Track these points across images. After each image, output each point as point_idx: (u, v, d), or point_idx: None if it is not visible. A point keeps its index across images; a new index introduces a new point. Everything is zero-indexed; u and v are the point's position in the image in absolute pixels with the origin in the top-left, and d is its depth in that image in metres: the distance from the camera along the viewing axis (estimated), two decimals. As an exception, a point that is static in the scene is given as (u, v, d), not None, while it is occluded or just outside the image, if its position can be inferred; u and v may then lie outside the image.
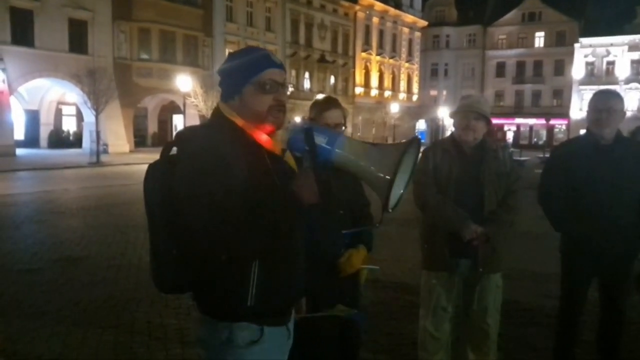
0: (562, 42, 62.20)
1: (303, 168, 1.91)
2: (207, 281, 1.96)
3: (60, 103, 38.24)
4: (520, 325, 5.17)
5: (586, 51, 60.62)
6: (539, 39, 64.36)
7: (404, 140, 2.04)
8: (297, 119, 35.62)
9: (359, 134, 51.41)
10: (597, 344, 3.93)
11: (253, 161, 1.93)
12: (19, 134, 33.66)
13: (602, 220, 3.50)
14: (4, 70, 28.68)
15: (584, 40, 59.97)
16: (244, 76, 2.00)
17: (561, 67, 62.75)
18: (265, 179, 1.92)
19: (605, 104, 3.60)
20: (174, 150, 2.02)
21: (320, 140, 1.91)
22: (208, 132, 2.02)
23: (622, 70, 59.03)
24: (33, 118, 36.55)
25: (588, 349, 4.15)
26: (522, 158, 31.18)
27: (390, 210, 1.91)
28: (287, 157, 2.08)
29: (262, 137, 2.01)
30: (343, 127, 2.95)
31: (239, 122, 2.00)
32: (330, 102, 3.02)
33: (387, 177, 1.85)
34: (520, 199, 3.55)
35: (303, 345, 2.29)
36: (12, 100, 30.98)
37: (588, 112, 3.73)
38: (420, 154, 2.13)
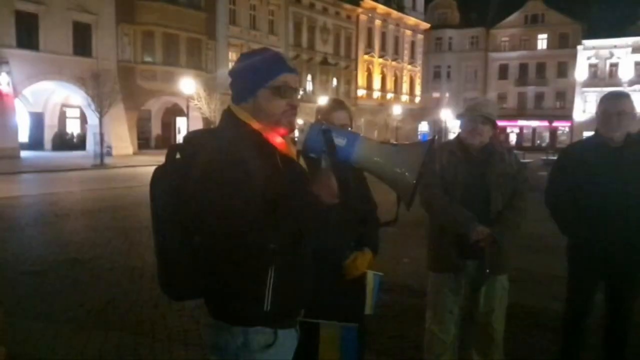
0: (565, 44, 62.15)
1: (322, 169, 1.89)
2: (222, 286, 1.95)
3: (64, 106, 38.32)
4: (525, 328, 5.15)
5: (589, 53, 60.54)
6: (542, 41, 64.33)
7: (421, 140, 2.04)
8: (301, 121, 35.64)
9: (362, 136, 51.26)
10: (602, 348, 3.91)
11: (270, 164, 1.91)
12: (24, 136, 33.70)
13: (610, 223, 3.47)
14: (9, 73, 28.75)
15: (587, 42, 59.91)
16: (260, 79, 1.99)
17: (564, 69, 62.69)
18: (282, 181, 1.91)
19: (616, 108, 3.55)
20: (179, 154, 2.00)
21: (339, 141, 1.90)
22: (222, 135, 2.00)
23: (626, 72, 58.90)
24: (37, 120, 36.61)
25: (594, 352, 4.13)
26: (525, 160, 31.11)
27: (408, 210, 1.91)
28: (300, 161, 2.07)
29: (277, 140, 2.00)
30: (349, 129, 2.95)
31: (255, 125, 1.99)
32: (337, 103, 3.06)
33: (410, 176, 1.84)
34: (527, 201, 3.54)
35: (302, 347, 2.28)
36: (17, 102, 31.04)
37: (597, 114, 3.68)
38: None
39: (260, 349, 1.96)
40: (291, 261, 1.94)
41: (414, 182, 1.83)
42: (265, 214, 1.80)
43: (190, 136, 2.05)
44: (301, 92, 2.35)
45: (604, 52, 59.81)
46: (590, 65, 61.03)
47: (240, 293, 1.93)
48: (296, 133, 2.13)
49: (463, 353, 3.79)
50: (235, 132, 1.97)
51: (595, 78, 59.97)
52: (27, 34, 29.91)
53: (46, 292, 6.27)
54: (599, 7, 57.55)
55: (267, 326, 1.97)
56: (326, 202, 1.84)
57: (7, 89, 28.83)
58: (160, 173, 2.00)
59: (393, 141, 52.03)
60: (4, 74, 28.50)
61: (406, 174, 1.86)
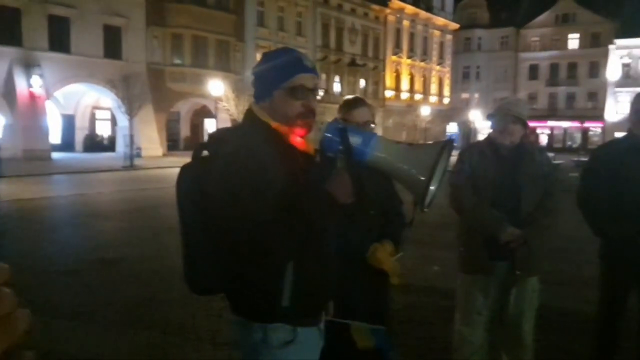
0: (597, 44, 61.03)
1: (337, 168, 1.89)
2: (242, 282, 1.97)
3: (95, 108, 38.90)
4: (556, 331, 5.07)
5: (622, 52, 59.32)
6: (573, 41, 63.33)
7: (437, 141, 2.00)
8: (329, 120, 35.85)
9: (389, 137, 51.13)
10: (637, 352, 3.83)
11: (286, 162, 1.93)
12: (55, 138, 34.29)
13: (643, 224, 3.41)
14: (41, 76, 29.31)
15: (620, 42, 58.69)
16: (275, 80, 2.01)
17: (596, 69, 61.56)
18: (298, 179, 1.93)
19: None
20: (206, 152, 2.03)
21: (354, 140, 1.89)
22: (242, 133, 2.03)
23: (660, 72, 57.57)
24: (69, 122, 37.25)
25: (627, 356, 4.04)
26: (556, 161, 30.65)
27: (425, 210, 1.88)
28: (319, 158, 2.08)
29: (296, 139, 2.01)
30: (372, 125, 2.94)
31: (273, 124, 2.01)
32: (357, 101, 3.04)
33: (423, 178, 1.81)
34: (558, 202, 3.48)
35: (331, 348, 2.27)
36: (49, 105, 31.64)
37: (630, 113, 3.62)
38: (452, 156, 2.09)
39: (279, 346, 1.97)
40: (311, 257, 1.94)
41: (425, 182, 1.80)
42: (282, 211, 1.81)
43: (215, 134, 2.09)
44: (321, 93, 2.33)
45: (638, 52, 58.54)
46: (624, 65, 59.79)
47: (259, 289, 1.95)
48: (313, 132, 2.13)
49: (493, 355, 3.74)
50: (254, 130, 1.99)
51: (629, 78, 58.67)
52: (59, 38, 30.48)
53: (77, 291, 6.36)
54: (632, 5, 56.33)
55: (286, 323, 1.97)
56: (340, 201, 1.85)
57: (39, 92, 29.39)
58: (186, 170, 2.05)
59: (421, 142, 51.84)
60: (36, 77, 29.07)
61: (417, 173, 1.84)
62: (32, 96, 29.14)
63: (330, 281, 2.08)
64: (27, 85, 28.95)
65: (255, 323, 1.98)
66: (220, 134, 2.11)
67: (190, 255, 2.04)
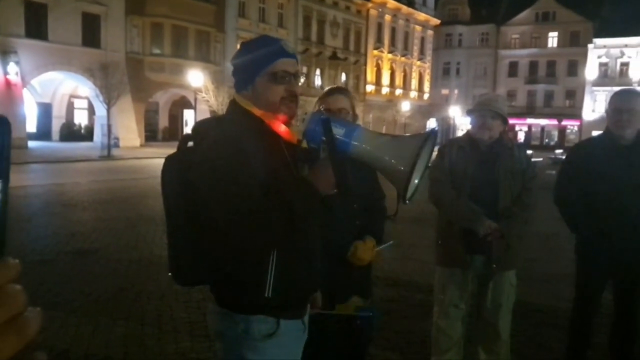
0: (575, 43, 61.74)
1: (320, 159, 1.89)
2: (226, 273, 1.96)
3: (72, 96, 38.35)
4: (532, 326, 5.14)
5: (600, 52, 60.11)
6: (553, 39, 63.95)
7: (420, 132, 2.00)
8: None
9: (369, 131, 51.19)
10: (610, 347, 3.90)
11: (272, 151, 1.93)
12: (32, 126, 33.74)
13: (619, 222, 3.46)
14: (17, 63, 28.80)
15: (598, 41, 59.46)
16: (257, 66, 2.00)
17: (574, 67, 62.28)
18: (283, 169, 1.92)
19: (627, 105, 3.54)
20: (191, 143, 2.02)
21: (337, 131, 1.88)
22: (227, 123, 2.02)
23: (637, 72, 58.35)
24: (45, 111, 36.67)
25: (601, 351, 4.11)
26: (534, 159, 30.83)
27: (407, 202, 1.89)
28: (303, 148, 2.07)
29: (280, 127, 2.00)
30: (349, 113, 2.90)
31: (257, 112, 2.00)
32: (335, 89, 3.01)
33: (403, 167, 1.81)
34: (536, 197, 3.52)
35: (315, 340, 2.27)
36: (25, 93, 31.12)
37: (608, 112, 3.67)
38: (435, 148, 2.09)
39: (261, 338, 1.97)
40: (294, 248, 1.94)
41: (407, 173, 1.81)
42: (264, 200, 1.81)
43: (198, 125, 2.08)
44: (302, 79, 2.34)
45: (615, 51, 59.35)
46: (601, 64, 60.60)
47: (242, 280, 1.95)
48: (297, 122, 2.12)
49: (469, 350, 3.78)
50: (237, 120, 1.99)
51: (606, 77, 59.52)
52: (36, 24, 29.94)
53: (53, 281, 6.29)
54: (610, 5, 57.09)
55: (268, 315, 1.97)
56: (323, 192, 1.84)
57: (15, 79, 28.89)
58: (170, 161, 2.04)
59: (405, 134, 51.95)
60: (12, 64, 28.56)
61: (398, 165, 1.84)
62: (8, 84, 28.62)
63: (314, 273, 2.08)
64: (3, 72, 28.43)
65: (238, 314, 1.98)
66: (204, 124, 2.09)
67: (176, 247, 2.03)
